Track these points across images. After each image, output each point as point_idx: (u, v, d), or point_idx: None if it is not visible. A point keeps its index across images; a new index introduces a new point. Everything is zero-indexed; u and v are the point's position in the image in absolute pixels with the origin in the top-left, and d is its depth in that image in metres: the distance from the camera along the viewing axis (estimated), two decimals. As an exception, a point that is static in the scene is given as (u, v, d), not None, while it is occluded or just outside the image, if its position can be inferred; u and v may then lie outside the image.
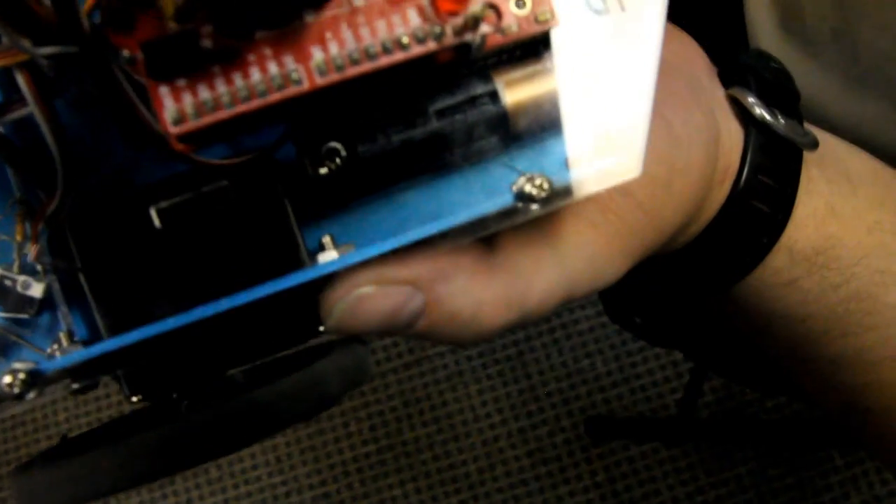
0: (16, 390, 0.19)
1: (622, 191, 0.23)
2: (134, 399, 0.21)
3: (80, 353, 0.19)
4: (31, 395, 0.19)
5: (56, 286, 0.21)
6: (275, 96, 0.17)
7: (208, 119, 0.17)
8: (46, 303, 0.21)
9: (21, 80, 0.19)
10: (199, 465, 0.19)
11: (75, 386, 0.20)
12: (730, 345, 0.49)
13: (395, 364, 0.99)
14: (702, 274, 0.28)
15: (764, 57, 0.29)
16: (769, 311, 0.29)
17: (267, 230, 0.21)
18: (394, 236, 0.19)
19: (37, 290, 0.21)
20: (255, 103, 0.17)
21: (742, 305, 0.29)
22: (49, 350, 0.21)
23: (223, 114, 0.17)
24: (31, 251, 0.21)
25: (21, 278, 0.21)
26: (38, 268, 0.21)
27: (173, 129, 0.17)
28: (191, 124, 0.17)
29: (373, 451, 0.97)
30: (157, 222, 0.20)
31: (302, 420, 0.20)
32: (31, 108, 0.19)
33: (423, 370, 0.98)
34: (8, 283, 0.21)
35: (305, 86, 0.17)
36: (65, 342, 0.20)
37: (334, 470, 0.97)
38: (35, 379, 0.19)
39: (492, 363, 0.98)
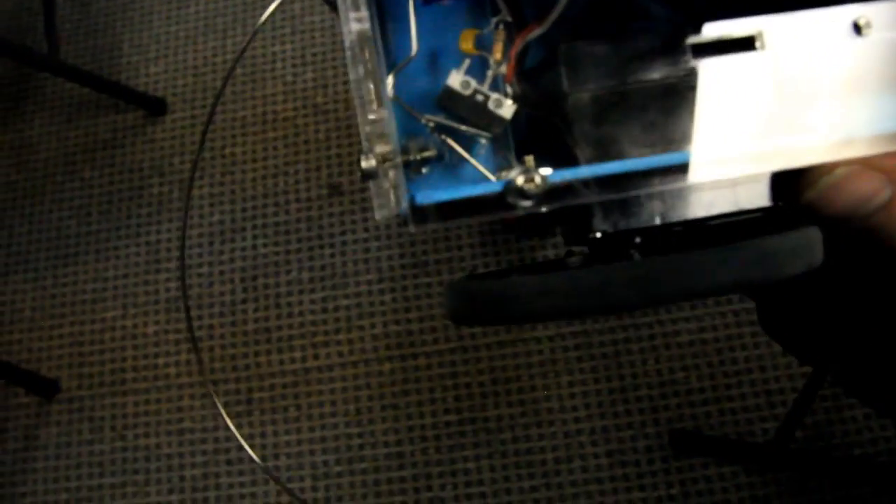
0: (531, 193, 0.19)
1: None
2: (597, 235, 0.21)
3: (593, 168, 0.19)
4: (530, 202, 0.19)
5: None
6: None
7: None
8: (503, 128, 0.22)
9: None
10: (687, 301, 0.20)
11: (540, 209, 0.21)
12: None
13: (492, 340, 0.99)
14: None
15: None
16: None
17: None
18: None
19: (507, 111, 0.21)
20: None
21: None
22: (496, 175, 0.22)
23: None
24: (507, 73, 0.22)
25: (494, 95, 0.21)
26: (508, 90, 0.21)
27: None
28: None
29: (454, 420, 0.97)
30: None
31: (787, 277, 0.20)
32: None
33: (517, 351, 0.99)
34: (480, 97, 0.21)
35: None
36: (531, 166, 0.21)
37: (412, 432, 0.97)
38: (548, 186, 0.19)
39: (587, 357, 0.97)
